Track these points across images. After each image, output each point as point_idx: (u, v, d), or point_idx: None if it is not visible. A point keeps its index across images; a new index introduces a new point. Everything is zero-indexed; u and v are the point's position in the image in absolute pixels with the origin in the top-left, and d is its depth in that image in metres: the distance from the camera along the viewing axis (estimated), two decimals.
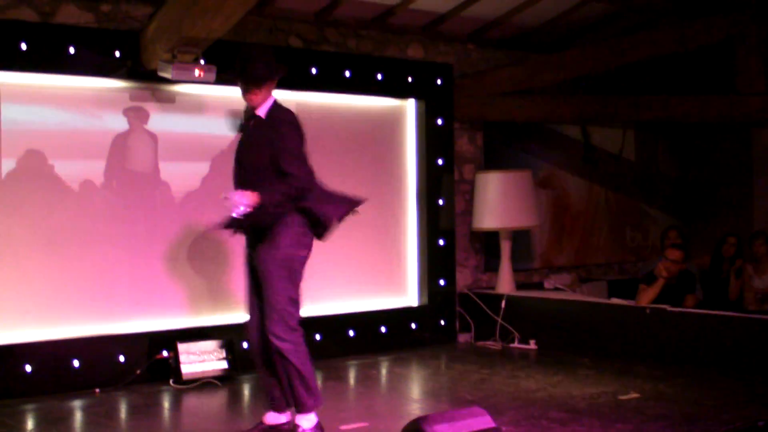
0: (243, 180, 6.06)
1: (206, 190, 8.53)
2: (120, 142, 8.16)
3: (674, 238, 10.62)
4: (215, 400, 7.58)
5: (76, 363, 7.71)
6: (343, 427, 6.42)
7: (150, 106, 8.31)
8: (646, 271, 10.05)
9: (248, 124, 6.16)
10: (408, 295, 9.99)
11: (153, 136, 8.33)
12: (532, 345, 9.62)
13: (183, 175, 8.51)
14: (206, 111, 8.59)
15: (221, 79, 7.87)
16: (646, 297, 9.24)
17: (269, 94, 6.14)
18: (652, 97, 10.54)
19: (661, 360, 8.59)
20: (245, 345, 8.28)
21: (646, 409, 6.84)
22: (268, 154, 5.96)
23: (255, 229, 6.08)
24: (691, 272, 9.76)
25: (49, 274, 7.79)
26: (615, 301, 9.76)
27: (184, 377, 7.88)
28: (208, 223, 8.01)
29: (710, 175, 12.77)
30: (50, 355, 7.64)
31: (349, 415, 6.85)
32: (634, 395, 7.28)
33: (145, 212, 8.30)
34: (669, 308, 8.82)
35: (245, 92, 6.09)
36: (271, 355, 6.04)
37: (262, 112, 6.10)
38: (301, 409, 6.06)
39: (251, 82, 6.04)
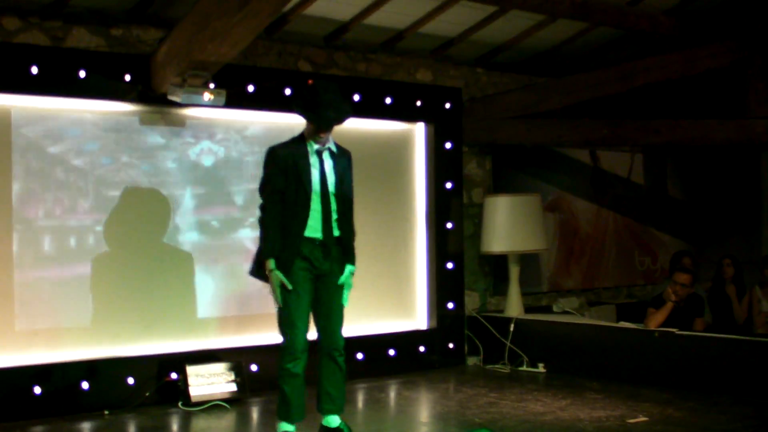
0: (339, 210, 6.55)
1: (214, 211, 8.58)
2: (132, 166, 8.22)
3: (685, 262, 10.61)
4: (224, 423, 7.57)
5: (85, 385, 7.73)
6: None
7: (160, 130, 8.35)
8: (654, 295, 10.05)
9: (318, 153, 6.51)
10: (417, 318, 10.00)
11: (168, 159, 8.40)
12: (541, 368, 9.61)
13: (192, 199, 8.54)
14: (216, 134, 8.63)
15: (231, 103, 7.94)
16: (655, 320, 9.24)
17: None
18: (660, 120, 10.53)
19: (670, 384, 8.57)
20: (254, 367, 8.32)
21: None
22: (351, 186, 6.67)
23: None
24: (699, 296, 9.76)
25: (59, 296, 7.83)
26: (624, 324, 9.74)
27: (193, 399, 7.89)
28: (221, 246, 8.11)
29: (719, 199, 12.77)
30: (60, 377, 7.66)
31: None
32: (643, 419, 7.28)
33: (155, 234, 8.34)
34: (677, 332, 8.80)
35: (328, 129, 6.47)
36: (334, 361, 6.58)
37: (332, 145, 6.57)
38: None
39: (342, 120, 6.51)
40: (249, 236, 8.68)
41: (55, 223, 7.84)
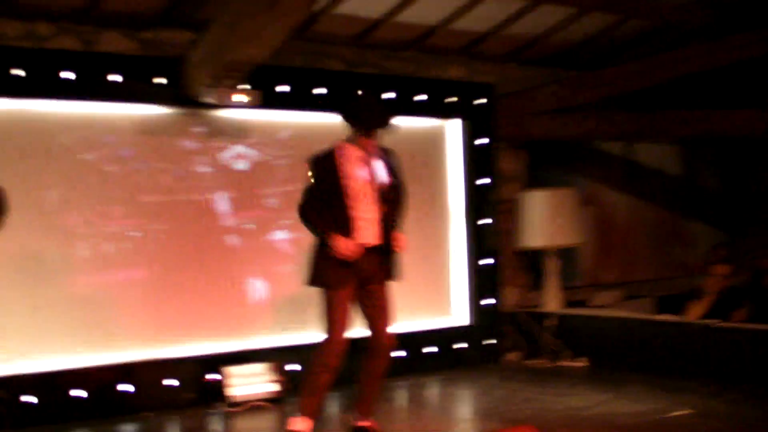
0: (388, 215, 6.58)
1: (249, 214, 8.61)
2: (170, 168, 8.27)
3: (723, 254, 10.56)
4: (266, 423, 7.60)
5: (127, 387, 7.77)
6: None
7: (193, 132, 8.38)
8: (693, 287, 9.99)
9: (378, 161, 6.57)
10: (456, 314, 9.98)
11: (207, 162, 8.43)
12: (582, 362, 9.57)
13: (235, 198, 8.58)
14: (251, 136, 8.65)
15: (264, 103, 7.96)
16: (695, 313, 9.18)
17: None
18: (694, 112, 10.49)
19: (712, 376, 8.50)
20: (297, 366, 8.32)
21: (698, 426, 6.80)
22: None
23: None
24: (739, 287, 9.69)
25: (100, 298, 7.88)
26: (664, 317, 9.69)
27: (236, 400, 7.91)
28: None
29: (756, 189, 12.67)
30: (101, 379, 7.70)
31: None
32: (686, 412, 7.23)
33: (197, 235, 8.39)
34: (718, 323, 8.74)
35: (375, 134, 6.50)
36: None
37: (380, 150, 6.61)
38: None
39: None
40: (284, 237, 8.71)
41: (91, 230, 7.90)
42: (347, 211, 6.36)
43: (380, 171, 6.54)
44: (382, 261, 6.55)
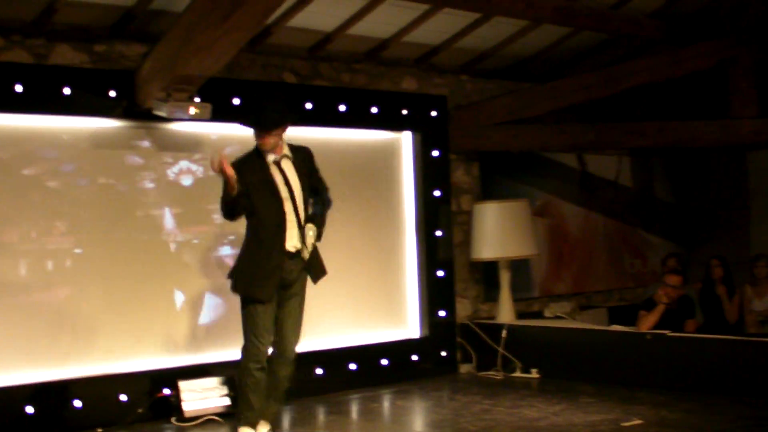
0: (296, 210, 6.71)
1: (202, 228, 8.57)
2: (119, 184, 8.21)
3: (673, 264, 10.65)
4: None
5: (78, 403, 7.69)
6: None
7: (145, 146, 8.33)
8: (645, 298, 10.05)
9: (276, 163, 6.71)
10: (408, 326, 9.97)
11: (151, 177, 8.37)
12: (535, 374, 9.60)
13: (181, 214, 8.51)
14: (202, 149, 8.60)
15: (216, 117, 7.93)
16: (647, 323, 9.24)
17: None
18: (646, 123, 10.57)
19: (664, 386, 8.56)
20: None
21: None
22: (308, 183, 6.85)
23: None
24: (690, 297, 9.77)
25: (48, 314, 7.79)
26: (616, 327, 9.74)
27: (187, 415, 7.86)
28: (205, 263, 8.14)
29: (707, 200, 12.78)
30: (52, 395, 7.61)
31: None
32: (637, 422, 7.27)
33: (143, 251, 8.31)
34: (669, 333, 8.80)
35: (265, 136, 6.66)
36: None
37: (287, 152, 6.78)
38: None
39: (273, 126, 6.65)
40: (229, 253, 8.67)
41: (41, 240, 7.82)
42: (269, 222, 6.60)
43: (287, 172, 6.70)
44: (302, 266, 6.78)
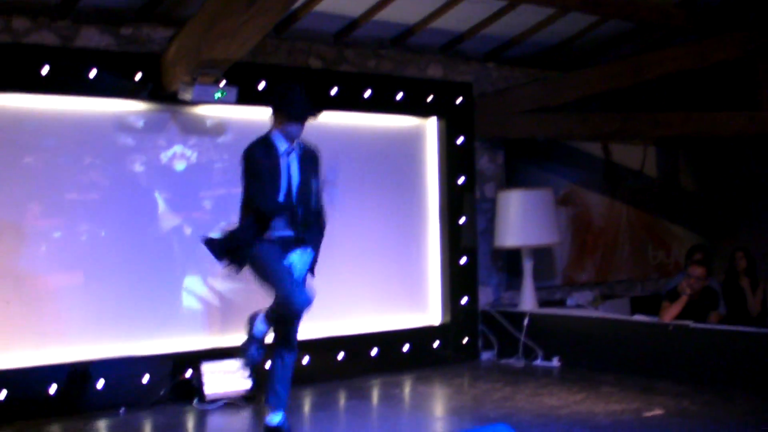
0: (306, 200, 6.61)
1: (225, 210, 8.57)
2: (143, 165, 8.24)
3: (699, 256, 10.60)
4: (239, 420, 7.59)
5: (100, 383, 7.75)
6: None
7: (171, 128, 8.36)
8: (669, 288, 10.03)
9: (287, 154, 6.61)
10: (430, 313, 9.99)
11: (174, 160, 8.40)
12: (556, 362, 9.60)
13: (208, 197, 8.55)
14: (227, 132, 8.62)
15: (242, 101, 7.95)
16: (670, 314, 9.22)
17: None
18: (672, 113, 10.50)
19: (686, 377, 8.54)
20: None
21: (670, 426, 6.83)
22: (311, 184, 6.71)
23: None
24: (714, 289, 9.74)
25: (73, 295, 7.85)
26: (638, 318, 9.72)
27: (208, 397, 7.91)
28: None
29: (731, 191, 12.72)
30: (75, 375, 7.68)
31: None
32: (658, 412, 7.26)
33: (169, 234, 8.36)
34: (692, 324, 8.78)
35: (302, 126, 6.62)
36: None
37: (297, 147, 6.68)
38: None
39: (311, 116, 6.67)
40: None
41: (66, 222, 7.88)
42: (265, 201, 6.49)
43: (292, 166, 6.60)
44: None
